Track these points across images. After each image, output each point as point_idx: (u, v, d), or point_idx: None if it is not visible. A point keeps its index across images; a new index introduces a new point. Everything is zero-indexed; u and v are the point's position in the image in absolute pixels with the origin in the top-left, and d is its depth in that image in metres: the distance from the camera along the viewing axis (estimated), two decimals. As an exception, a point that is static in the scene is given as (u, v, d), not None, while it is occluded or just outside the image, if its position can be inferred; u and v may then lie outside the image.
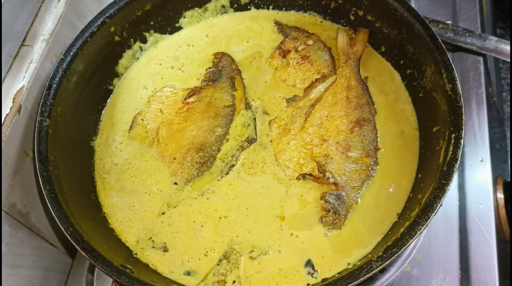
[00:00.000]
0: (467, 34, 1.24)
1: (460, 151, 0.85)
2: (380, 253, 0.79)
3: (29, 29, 1.03)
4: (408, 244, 0.79)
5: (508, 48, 1.21)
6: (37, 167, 0.90)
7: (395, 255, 0.78)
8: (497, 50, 1.22)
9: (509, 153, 1.40)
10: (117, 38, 1.14)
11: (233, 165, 1.04)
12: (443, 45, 0.96)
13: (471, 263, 1.00)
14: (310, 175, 1.00)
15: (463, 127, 0.87)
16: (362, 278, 0.77)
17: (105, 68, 1.15)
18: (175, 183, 1.04)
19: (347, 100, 1.08)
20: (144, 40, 1.22)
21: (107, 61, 1.14)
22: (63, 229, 0.84)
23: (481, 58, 1.26)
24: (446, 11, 1.35)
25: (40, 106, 0.96)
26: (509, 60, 1.21)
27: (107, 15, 1.08)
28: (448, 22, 1.31)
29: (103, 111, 1.16)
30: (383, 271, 1.03)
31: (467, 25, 1.32)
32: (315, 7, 1.24)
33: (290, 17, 1.27)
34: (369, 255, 0.89)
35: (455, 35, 1.25)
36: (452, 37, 1.25)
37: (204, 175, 1.05)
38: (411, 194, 0.96)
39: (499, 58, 1.24)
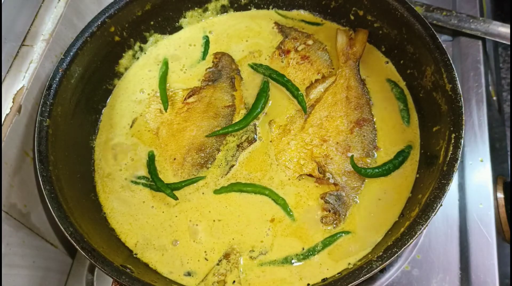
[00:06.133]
0: (471, 20, 1.27)
1: (460, 151, 0.85)
2: (380, 253, 0.79)
3: (29, 29, 1.03)
4: (408, 244, 0.79)
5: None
6: (37, 167, 0.90)
7: (395, 255, 0.78)
8: (500, 35, 1.25)
9: (509, 153, 1.40)
10: (117, 38, 1.14)
11: (232, 166, 1.04)
12: (443, 45, 0.96)
13: (471, 263, 1.00)
14: (310, 175, 1.00)
15: (463, 127, 0.87)
16: (362, 278, 0.77)
17: (105, 68, 1.15)
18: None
19: (347, 100, 1.08)
20: (144, 40, 1.22)
21: (107, 61, 1.14)
22: (63, 229, 0.85)
23: (481, 58, 1.26)
24: (446, 11, 1.35)
25: (40, 106, 0.96)
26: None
27: (107, 15, 1.08)
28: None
29: (103, 111, 1.16)
30: (383, 271, 1.03)
31: (467, 25, 1.33)
32: (315, 7, 1.24)
33: (290, 16, 1.27)
34: (369, 255, 0.89)
35: (459, 22, 1.27)
36: (456, 23, 1.27)
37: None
38: (411, 194, 0.96)
39: (503, 42, 1.26)
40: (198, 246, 0.96)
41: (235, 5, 1.27)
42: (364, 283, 0.85)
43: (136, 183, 1.05)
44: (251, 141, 1.07)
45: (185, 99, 1.14)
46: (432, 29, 0.98)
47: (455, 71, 0.93)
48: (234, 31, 1.26)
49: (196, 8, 1.25)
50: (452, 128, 0.88)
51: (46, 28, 1.04)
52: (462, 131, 0.87)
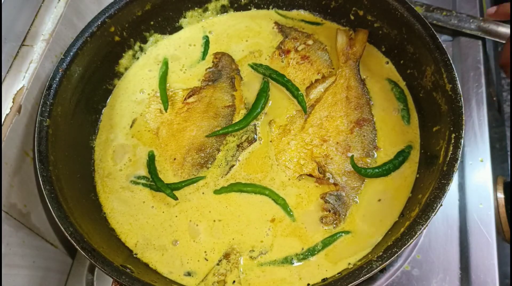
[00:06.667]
0: (471, 20, 1.27)
1: (460, 151, 0.85)
2: (380, 253, 0.79)
3: (29, 29, 1.02)
4: (408, 244, 0.79)
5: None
6: (37, 167, 0.90)
7: (395, 255, 0.78)
8: (500, 35, 1.25)
9: (509, 153, 1.40)
10: (117, 38, 1.14)
11: (233, 166, 1.04)
12: (443, 45, 0.96)
13: (471, 263, 1.00)
14: (310, 175, 1.00)
15: (463, 127, 0.87)
16: (362, 278, 0.77)
17: (105, 68, 1.15)
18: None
19: (347, 100, 1.08)
20: (144, 40, 1.22)
21: (107, 61, 1.14)
22: (63, 229, 0.85)
23: (481, 58, 1.26)
24: (446, 11, 1.35)
25: (40, 106, 0.96)
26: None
27: (107, 15, 1.08)
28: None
29: (103, 111, 1.16)
30: (383, 271, 1.03)
31: (467, 25, 1.33)
32: (315, 7, 1.24)
33: (290, 16, 1.27)
34: (369, 255, 0.89)
35: (459, 22, 1.27)
36: (456, 23, 1.27)
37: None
38: (411, 194, 0.96)
39: (503, 42, 1.25)
40: (198, 246, 0.96)
41: (235, 5, 1.27)
42: (364, 283, 0.85)
43: (136, 183, 1.05)
44: (251, 141, 1.07)
45: (185, 99, 1.14)
46: (432, 29, 0.98)
47: (455, 71, 0.93)
48: (234, 31, 1.26)
49: (196, 8, 1.25)
50: (452, 128, 0.88)
51: (46, 28, 1.04)
52: (462, 131, 0.87)
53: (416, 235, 0.79)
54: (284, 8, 1.27)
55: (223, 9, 1.28)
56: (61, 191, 0.90)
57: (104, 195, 1.04)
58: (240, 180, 1.03)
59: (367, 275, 0.77)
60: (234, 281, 0.91)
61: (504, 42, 1.25)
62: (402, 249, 0.79)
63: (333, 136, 1.04)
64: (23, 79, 0.97)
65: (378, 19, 1.12)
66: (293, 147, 1.04)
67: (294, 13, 1.27)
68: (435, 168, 0.89)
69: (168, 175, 1.05)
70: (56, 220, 0.85)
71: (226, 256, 0.94)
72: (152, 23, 1.21)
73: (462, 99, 0.90)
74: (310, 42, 1.19)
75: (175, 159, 1.06)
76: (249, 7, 1.28)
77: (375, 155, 1.02)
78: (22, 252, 0.95)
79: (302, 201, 0.99)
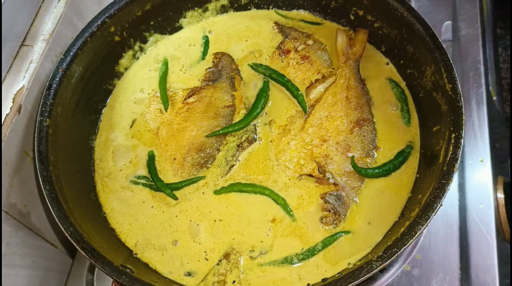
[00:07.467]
0: None
1: (460, 151, 0.85)
2: (380, 253, 0.79)
3: (29, 29, 1.03)
4: (408, 244, 0.79)
5: None
6: (37, 167, 0.90)
7: (395, 255, 0.78)
8: None
9: (509, 153, 1.40)
10: (117, 38, 1.14)
11: (233, 166, 1.04)
12: (443, 45, 0.96)
13: (471, 263, 1.00)
14: (310, 175, 1.00)
15: (463, 127, 0.87)
16: (362, 278, 0.77)
17: (105, 68, 1.15)
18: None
19: (347, 100, 1.08)
20: (144, 40, 1.22)
21: (107, 61, 1.14)
22: (63, 229, 0.85)
23: (481, 58, 1.26)
24: (446, 11, 1.35)
25: (40, 106, 0.96)
26: None
27: (107, 15, 1.08)
28: (448, 21, 1.31)
29: (103, 111, 1.16)
30: (383, 271, 1.03)
31: (467, 25, 1.32)
32: (315, 7, 1.24)
33: (290, 16, 1.27)
34: (369, 255, 0.89)
35: None
36: None
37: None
38: (411, 194, 0.96)
39: None
40: (198, 246, 0.96)
41: (235, 5, 1.27)
42: (364, 283, 0.85)
43: (136, 183, 1.05)
44: (251, 141, 1.07)
45: (185, 99, 1.14)
46: (432, 29, 0.98)
47: (455, 71, 0.93)
48: (234, 31, 1.26)
49: (196, 8, 1.25)
50: (452, 128, 0.88)
51: (46, 28, 1.04)
52: (462, 131, 0.87)
53: (416, 235, 0.79)
54: (284, 8, 1.27)
55: (223, 9, 1.28)
56: (61, 191, 0.90)
57: (104, 195, 1.04)
58: (240, 180, 1.03)
59: (367, 275, 0.77)
60: (234, 281, 0.91)
61: None
62: (402, 249, 0.79)
63: (333, 136, 1.04)
64: (23, 79, 0.97)
65: (378, 19, 1.12)
66: (293, 147, 1.04)
67: (294, 13, 1.27)
68: (435, 168, 0.89)
69: (168, 175, 1.05)
70: (56, 220, 0.85)
71: (226, 256, 0.94)
72: (152, 23, 1.21)
73: (462, 99, 0.90)
74: (310, 42, 1.19)
75: (175, 159, 1.06)
76: (249, 7, 1.28)
77: (375, 155, 1.02)
78: (22, 252, 0.95)
79: (303, 202, 0.99)
